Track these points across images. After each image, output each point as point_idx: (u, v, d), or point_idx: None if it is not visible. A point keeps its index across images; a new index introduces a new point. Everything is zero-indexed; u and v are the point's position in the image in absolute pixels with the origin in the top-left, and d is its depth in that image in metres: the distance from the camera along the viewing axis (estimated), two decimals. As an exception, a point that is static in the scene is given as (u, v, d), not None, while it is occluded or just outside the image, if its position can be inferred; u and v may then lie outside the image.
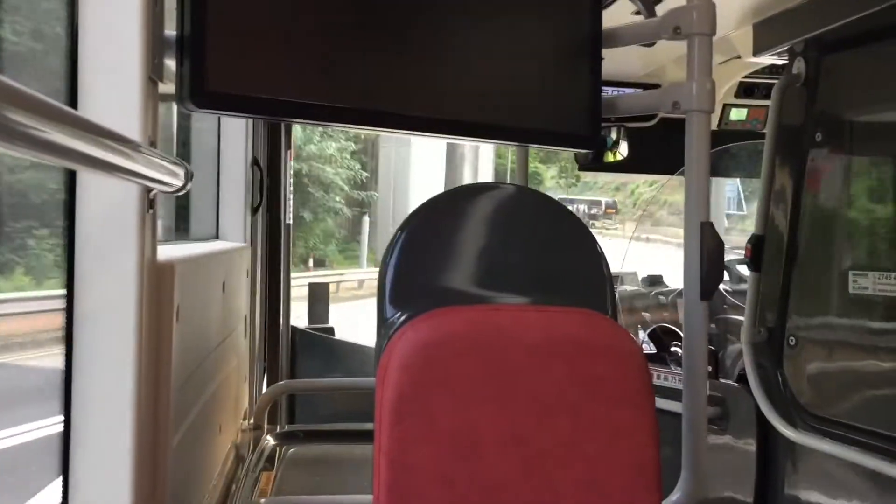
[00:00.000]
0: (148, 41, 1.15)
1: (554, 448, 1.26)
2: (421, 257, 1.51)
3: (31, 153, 0.65)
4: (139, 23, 1.13)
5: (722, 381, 2.97)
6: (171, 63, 1.28)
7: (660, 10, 1.75)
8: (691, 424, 1.57)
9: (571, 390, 1.28)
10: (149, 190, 1.18)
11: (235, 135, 2.55)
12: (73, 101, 1.12)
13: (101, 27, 1.12)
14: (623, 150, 3.26)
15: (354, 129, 1.59)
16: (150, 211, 1.19)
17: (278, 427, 2.87)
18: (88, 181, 1.13)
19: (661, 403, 1.39)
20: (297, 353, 3.54)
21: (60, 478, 1.15)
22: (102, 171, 0.90)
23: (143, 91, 1.14)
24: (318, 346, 3.79)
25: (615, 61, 1.81)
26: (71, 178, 1.13)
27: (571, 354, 1.29)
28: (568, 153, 3.82)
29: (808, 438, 2.38)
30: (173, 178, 1.20)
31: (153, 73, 1.18)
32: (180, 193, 1.31)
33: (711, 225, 1.56)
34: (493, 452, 1.25)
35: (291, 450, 2.59)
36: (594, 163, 3.40)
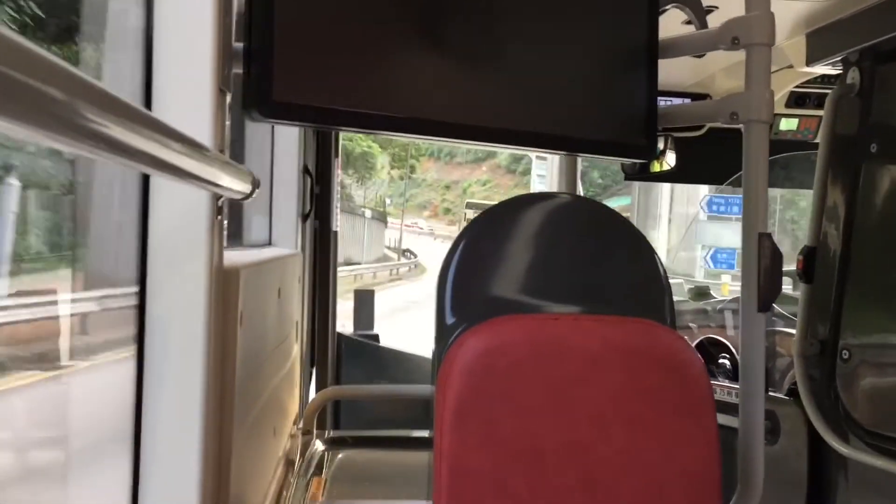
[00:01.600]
0: (219, 53, 1.18)
1: (613, 457, 1.26)
2: (479, 266, 1.53)
3: (107, 155, 0.66)
4: (211, 35, 1.16)
5: (772, 394, 2.93)
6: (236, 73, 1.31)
7: (714, 19, 1.75)
8: (748, 437, 1.56)
9: (630, 400, 1.28)
10: (218, 196, 1.21)
11: (288, 143, 2.60)
12: (146, 108, 1.15)
13: (175, 38, 1.16)
14: (670, 159, 3.25)
15: (410, 138, 1.61)
16: (219, 217, 1.22)
17: (327, 432, 2.90)
18: (160, 187, 1.16)
19: None
20: (342, 358, 3.58)
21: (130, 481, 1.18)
22: (176, 176, 0.92)
23: (214, 101, 1.17)
24: (363, 352, 3.82)
25: (663, 70, 1.81)
26: (144, 185, 1.16)
27: (630, 364, 1.29)
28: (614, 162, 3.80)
29: (860, 454, 2.34)
30: (242, 185, 1.23)
31: (222, 84, 1.21)
32: (247, 200, 1.34)
33: (770, 236, 1.55)
34: (553, 460, 1.25)
35: (340, 455, 2.61)
36: (641, 172, 3.38)
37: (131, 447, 1.17)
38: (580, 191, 2.29)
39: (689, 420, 1.27)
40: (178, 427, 1.17)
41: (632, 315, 1.38)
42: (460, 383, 1.25)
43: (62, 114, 0.52)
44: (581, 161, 2.23)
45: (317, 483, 2.30)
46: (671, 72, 3.08)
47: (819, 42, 2.55)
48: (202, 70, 1.18)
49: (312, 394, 3.00)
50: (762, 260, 1.52)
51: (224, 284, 1.28)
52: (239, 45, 1.30)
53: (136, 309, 1.17)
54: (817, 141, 2.66)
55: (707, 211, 12.35)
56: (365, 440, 2.73)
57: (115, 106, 0.63)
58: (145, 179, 1.18)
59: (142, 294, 1.16)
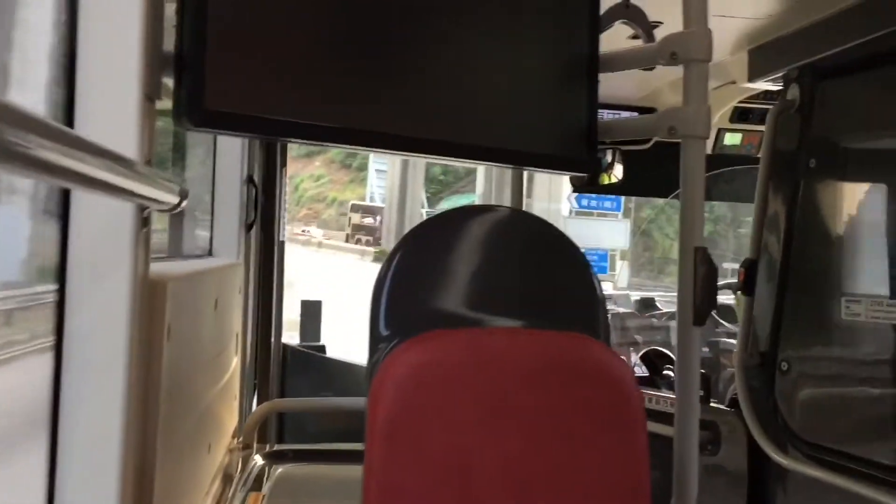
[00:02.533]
0: (147, 59, 1.15)
1: (546, 472, 1.25)
2: (414, 279, 1.51)
3: (25, 172, 0.64)
4: (139, 40, 1.12)
5: (714, 405, 2.97)
6: (167, 80, 1.28)
7: (660, 34, 1.76)
8: (682, 448, 1.57)
9: (563, 414, 1.28)
10: (143, 208, 1.17)
11: (231, 152, 2.55)
12: (69, 118, 1.12)
13: (99, 43, 1.12)
14: (618, 172, 3.28)
15: (348, 149, 1.60)
16: (144, 229, 1.18)
17: (267, 446, 2.85)
18: (82, 199, 1.13)
19: (653, 427, 1.39)
20: (287, 370, 3.53)
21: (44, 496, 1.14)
22: (99, 190, 0.89)
23: (141, 110, 1.14)
24: (309, 363, 3.78)
25: (610, 84, 1.82)
26: (64, 196, 1.12)
27: (564, 378, 1.29)
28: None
29: (799, 464, 2.38)
30: (168, 197, 1.20)
31: (150, 92, 1.18)
32: (175, 212, 1.30)
33: (705, 250, 1.56)
34: (486, 477, 1.24)
35: (280, 469, 2.57)
36: (589, 185, 3.41)
37: (46, 465, 1.13)
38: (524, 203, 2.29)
39: (620, 433, 1.27)
40: (96, 444, 1.13)
41: (567, 329, 1.38)
42: (391, 398, 1.23)
43: None
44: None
45: (254, 498, 2.26)
46: (619, 86, 3.11)
47: (761, 58, 2.59)
48: (128, 77, 1.14)
49: (255, 407, 2.95)
50: (698, 273, 1.53)
51: (150, 297, 1.24)
52: (170, 51, 1.27)
53: (55, 322, 1.13)
54: (760, 156, 2.70)
55: (577, 206, 11.48)
56: (306, 454, 2.69)
57: (31, 124, 0.61)
58: (65, 190, 1.14)
59: (60, 307, 1.12)
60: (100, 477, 1.12)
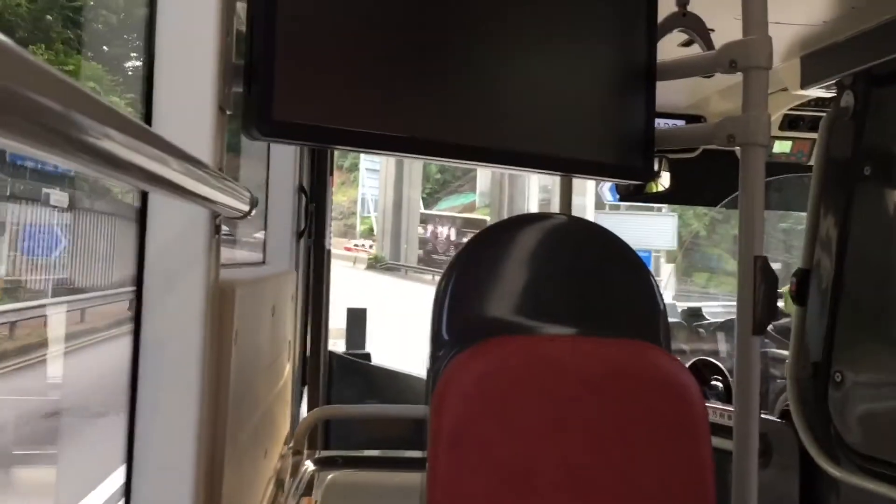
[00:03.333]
0: (220, 71, 1.18)
1: (608, 480, 1.25)
2: (475, 286, 1.52)
3: (106, 171, 0.64)
4: (213, 53, 1.16)
5: (765, 416, 2.93)
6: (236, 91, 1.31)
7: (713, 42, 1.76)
8: (742, 460, 1.55)
9: (626, 421, 1.28)
10: (216, 215, 1.20)
11: (284, 162, 2.60)
12: (147, 124, 1.15)
13: (176, 55, 1.16)
14: (665, 180, 3.26)
15: (408, 157, 1.62)
16: (217, 236, 1.22)
17: (317, 452, 2.88)
18: (159, 205, 1.16)
19: None
20: (333, 377, 3.56)
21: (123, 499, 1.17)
22: (175, 193, 0.92)
23: (214, 119, 1.17)
24: (354, 371, 3.81)
25: (660, 92, 1.82)
26: (143, 201, 1.16)
27: (625, 385, 1.29)
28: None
29: (852, 477, 2.34)
30: (240, 204, 1.23)
31: (223, 102, 1.21)
32: (245, 218, 1.33)
33: (766, 259, 1.55)
34: (548, 483, 1.25)
35: (330, 475, 2.59)
36: (635, 193, 3.40)
37: (124, 466, 1.16)
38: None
39: (684, 442, 1.26)
40: (171, 446, 1.16)
41: (627, 336, 1.38)
42: (455, 406, 1.24)
43: (59, 127, 0.51)
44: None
45: (307, 503, 2.28)
46: (666, 94, 3.10)
47: (814, 65, 2.57)
48: (203, 88, 1.18)
49: (304, 413, 2.99)
50: (758, 283, 1.52)
51: (220, 302, 1.28)
52: (240, 64, 1.30)
53: (133, 325, 1.16)
54: (811, 164, 2.67)
55: (611, 198, 10.35)
56: (355, 460, 2.71)
57: (115, 120, 0.62)
58: (144, 195, 1.17)
59: (138, 310, 1.15)
60: (174, 476, 1.15)
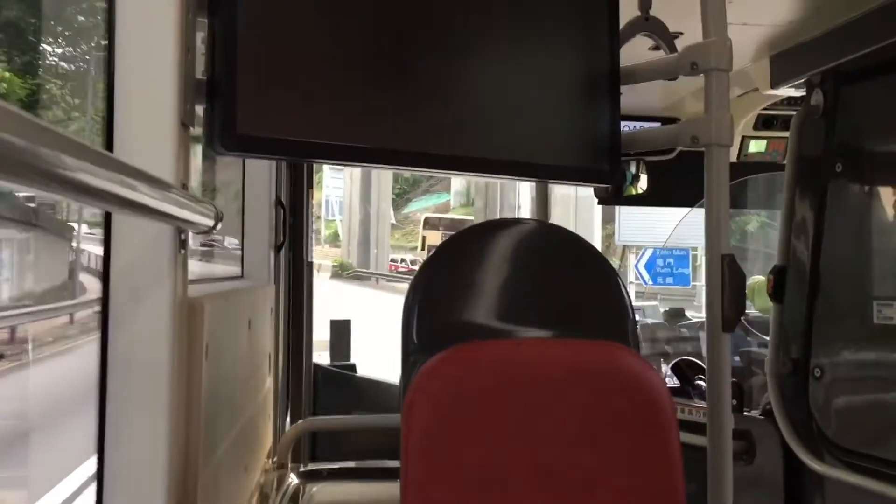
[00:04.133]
0: (181, 87, 1.18)
1: (579, 481, 1.26)
2: (445, 293, 1.53)
3: (67, 195, 0.67)
4: (173, 69, 1.16)
5: (747, 414, 2.95)
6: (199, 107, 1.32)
7: (680, 45, 1.78)
8: (716, 458, 1.56)
9: (595, 422, 1.29)
10: (181, 230, 1.21)
11: (260, 175, 2.60)
12: (108, 144, 1.16)
13: (136, 72, 1.16)
14: (643, 183, 3.28)
15: (377, 168, 1.63)
16: (182, 251, 1.22)
17: (301, 465, 2.87)
18: (123, 223, 1.17)
19: (686, 437, 1.39)
20: (318, 390, 3.55)
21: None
22: (138, 213, 0.93)
23: (177, 135, 1.17)
24: (340, 382, 3.80)
25: (633, 96, 1.84)
26: (107, 220, 1.16)
27: (595, 386, 1.30)
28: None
29: (835, 471, 2.36)
30: (204, 219, 1.23)
31: (185, 118, 1.22)
32: (210, 233, 1.34)
33: (733, 257, 1.57)
34: (520, 487, 1.25)
35: (315, 489, 2.58)
36: (614, 197, 3.41)
37: (95, 483, 1.16)
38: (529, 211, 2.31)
39: (653, 441, 1.27)
40: (142, 464, 1.16)
41: (596, 338, 1.39)
42: (425, 413, 1.25)
43: (22, 158, 0.54)
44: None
45: None
46: (642, 97, 3.13)
47: (783, 65, 2.60)
48: (164, 104, 1.18)
49: (288, 426, 2.98)
50: (725, 281, 1.53)
51: (189, 317, 1.28)
52: (203, 80, 1.31)
53: (100, 342, 1.16)
54: (785, 162, 2.70)
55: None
56: (340, 472, 2.70)
57: (72, 148, 0.64)
58: (108, 214, 1.18)
59: (104, 327, 1.16)
60: (146, 492, 1.15)
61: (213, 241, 2.94)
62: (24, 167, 0.55)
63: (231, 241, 2.97)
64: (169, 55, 1.17)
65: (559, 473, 1.25)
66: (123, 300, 1.16)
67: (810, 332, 2.51)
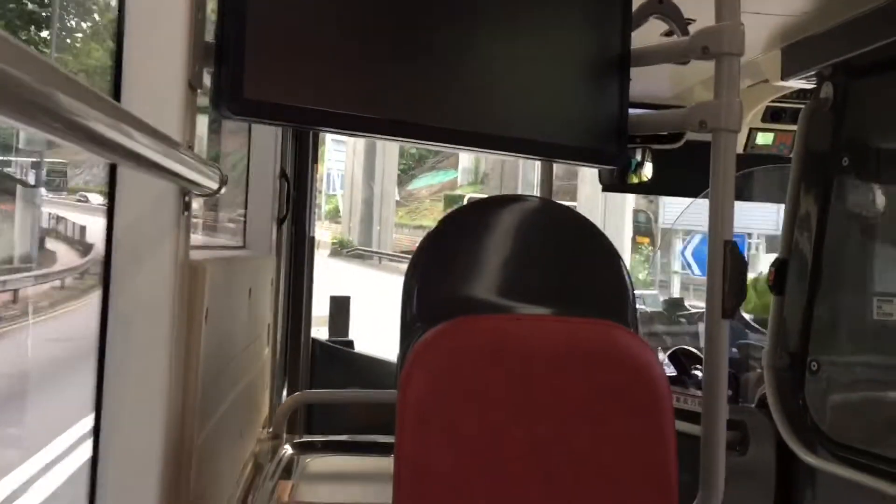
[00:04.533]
0: (190, 48, 1.18)
1: (573, 458, 1.27)
2: (445, 267, 1.53)
3: (75, 141, 0.67)
4: (183, 29, 1.16)
5: (742, 404, 2.96)
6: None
7: (691, 31, 1.77)
8: (709, 446, 1.57)
9: (591, 400, 1.29)
10: (185, 192, 1.21)
11: (265, 147, 2.59)
12: (116, 99, 1.16)
13: (146, 32, 1.16)
14: (648, 171, 3.27)
15: (381, 139, 1.62)
16: (186, 213, 1.22)
17: (297, 437, 2.89)
18: (128, 181, 1.17)
19: (680, 426, 1.39)
20: (316, 364, 3.57)
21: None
22: (143, 167, 0.93)
23: (184, 96, 1.17)
24: (337, 358, 3.81)
25: (642, 83, 1.83)
26: (111, 177, 1.16)
27: (591, 365, 1.31)
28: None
29: (828, 464, 2.37)
30: (209, 181, 1.23)
31: (193, 80, 1.22)
32: (214, 196, 1.34)
33: (735, 243, 1.57)
34: (513, 461, 1.26)
35: (309, 460, 2.60)
36: (619, 182, 3.41)
37: (91, 441, 1.17)
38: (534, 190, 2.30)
39: (647, 420, 1.28)
40: (139, 420, 1.16)
41: (596, 317, 1.39)
42: (422, 384, 1.25)
43: (38, 101, 0.55)
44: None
45: (283, 487, 2.29)
46: (651, 84, 3.12)
47: (794, 56, 2.58)
48: (173, 65, 1.18)
49: (285, 398, 2.99)
50: (727, 267, 1.53)
51: (190, 279, 1.28)
52: (211, 43, 1.30)
53: (101, 301, 1.17)
54: (792, 155, 2.69)
55: None
56: (334, 444, 2.72)
57: (86, 96, 0.65)
58: (112, 171, 1.18)
59: (106, 285, 1.16)
60: (142, 454, 1.16)
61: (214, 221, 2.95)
62: (33, 108, 0.55)
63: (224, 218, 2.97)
64: (179, 16, 1.17)
65: (554, 449, 1.26)
66: (125, 259, 1.16)
67: (809, 325, 2.51)
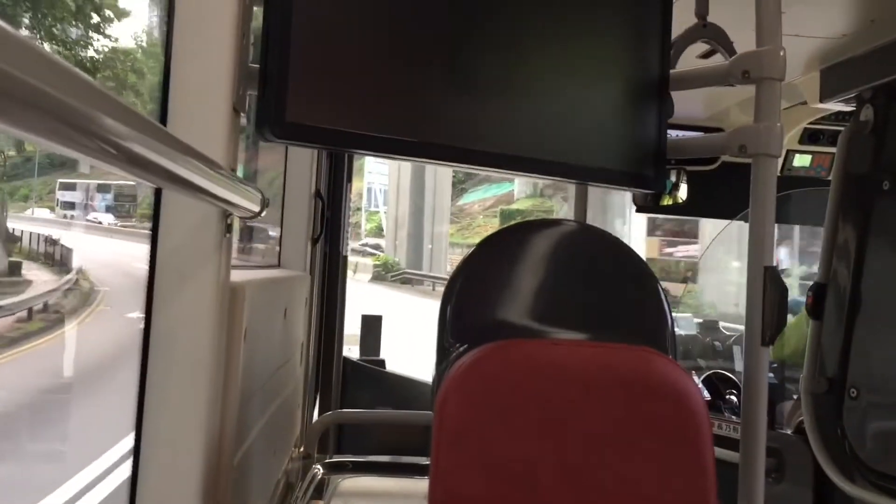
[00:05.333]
0: (235, 73, 1.20)
1: (608, 485, 1.26)
2: (482, 290, 1.53)
3: (123, 166, 0.68)
4: (229, 55, 1.18)
5: (779, 431, 2.91)
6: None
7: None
8: (748, 474, 1.55)
9: (627, 427, 1.28)
10: (227, 214, 1.22)
11: (301, 167, 2.62)
12: (162, 123, 1.17)
13: (193, 57, 1.18)
14: (683, 193, 3.25)
15: (420, 162, 1.63)
16: (227, 235, 1.23)
17: (327, 456, 2.89)
18: (172, 204, 1.18)
19: (716, 453, 1.37)
20: (347, 383, 3.57)
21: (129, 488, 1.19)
22: (188, 191, 0.94)
23: (228, 120, 1.19)
24: (368, 377, 3.82)
25: (677, 104, 1.82)
26: (156, 201, 1.18)
27: (628, 391, 1.29)
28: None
29: (866, 493, 2.32)
30: (251, 204, 1.25)
31: (237, 104, 1.23)
32: (256, 219, 1.35)
33: (775, 269, 1.55)
34: (548, 486, 1.25)
35: (340, 480, 2.60)
36: (653, 204, 3.39)
37: (131, 459, 1.18)
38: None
39: (685, 449, 1.26)
40: (179, 440, 1.17)
41: (632, 343, 1.38)
42: (458, 407, 1.25)
43: (83, 125, 0.54)
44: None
45: None
46: (686, 105, 3.10)
47: (833, 78, 2.56)
48: (218, 89, 1.20)
49: (316, 417, 3.00)
50: (767, 293, 1.52)
51: (230, 300, 1.29)
52: (255, 67, 1.32)
53: (143, 320, 1.18)
54: (830, 178, 2.66)
55: None
56: (365, 465, 2.72)
57: (133, 120, 0.65)
58: (157, 194, 1.19)
59: (149, 306, 1.17)
60: (181, 471, 1.17)
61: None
62: (80, 133, 0.54)
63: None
64: (226, 41, 1.19)
65: (589, 476, 1.25)
66: (168, 280, 1.18)
67: (848, 351, 2.47)
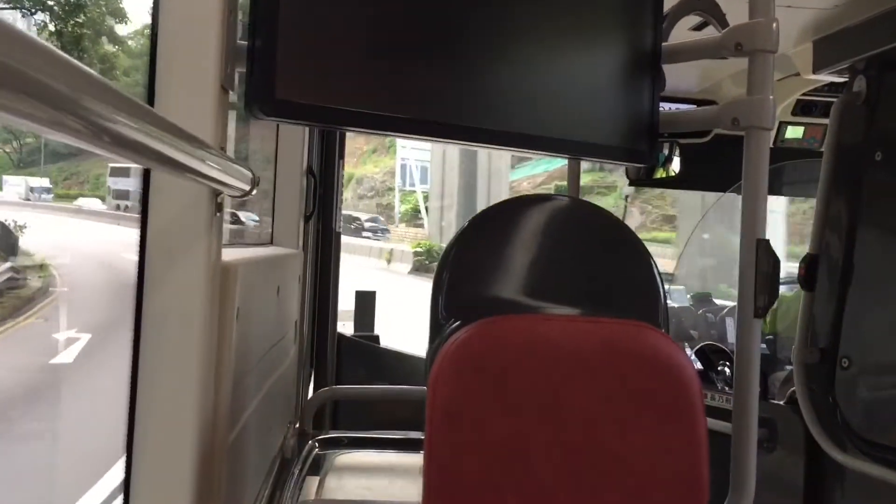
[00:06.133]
0: (223, 50, 1.19)
1: (602, 460, 1.26)
2: (475, 266, 1.53)
3: (110, 148, 0.67)
4: (216, 32, 1.17)
5: (771, 401, 2.93)
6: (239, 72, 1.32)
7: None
8: (740, 444, 1.56)
9: (621, 402, 1.28)
10: (217, 193, 1.21)
11: (292, 144, 2.60)
12: (149, 103, 1.16)
13: (179, 35, 1.17)
14: (675, 166, 3.25)
15: (413, 139, 1.62)
16: (218, 214, 1.23)
17: (323, 432, 2.90)
18: (161, 183, 1.17)
19: (709, 423, 1.38)
20: (342, 359, 3.58)
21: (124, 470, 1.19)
22: (177, 171, 0.93)
23: (216, 98, 1.18)
24: (363, 353, 3.83)
25: (669, 78, 1.81)
26: (145, 181, 1.17)
27: (622, 366, 1.30)
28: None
29: (857, 462, 2.34)
30: (241, 183, 1.24)
31: (225, 82, 1.22)
32: (246, 197, 1.35)
33: (767, 242, 1.55)
34: (542, 462, 1.26)
35: (336, 456, 2.61)
36: (646, 178, 3.39)
37: (124, 438, 1.18)
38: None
39: (677, 423, 1.27)
40: (172, 419, 1.17)
41: (625, 317, 1.39)
42: (451, 384, 1.25)
43: (67, 108, 0.54)
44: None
45: (311, 482, 2.31)
46: (678, 78, 3.09)
47: (826, 49, 2.55)
48: (205, 67, 1.19)
49: (311, 394, 3.01)
50: (760, 265, 1.52)
51: (222, 279, 1.29)
52: (243, 44, 1.31)
53: (134, 301, 1.18)
54: (822, 150, 2.66)
55: None
56: (361, 441, 2.73)
57: (118, 101, 0.64)
58: (146, 174, 1.19)
59: (140, 286, 1.17)
60: (175, 450, 1.17)
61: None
62: (62, 114, 0.54)
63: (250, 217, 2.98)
64: (213, 18, 1.18)
65: (583, 450, 1.25)
66: (159, 261, 1.17)
67: (840, 322, 2.48)
